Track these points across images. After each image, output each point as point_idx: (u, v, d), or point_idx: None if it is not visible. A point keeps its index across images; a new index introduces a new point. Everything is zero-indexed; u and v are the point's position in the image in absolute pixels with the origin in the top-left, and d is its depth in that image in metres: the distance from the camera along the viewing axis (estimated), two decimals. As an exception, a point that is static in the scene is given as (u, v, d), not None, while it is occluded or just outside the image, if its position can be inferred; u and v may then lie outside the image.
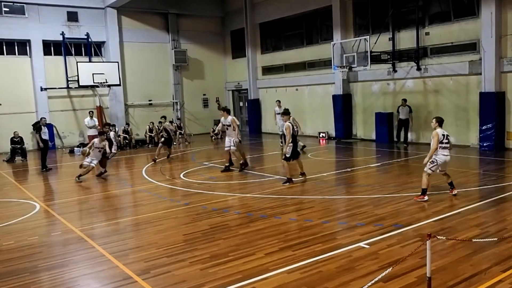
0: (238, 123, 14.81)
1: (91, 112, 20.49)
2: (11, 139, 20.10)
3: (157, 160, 17.13)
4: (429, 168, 9.85)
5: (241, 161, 14.75)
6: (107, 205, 11.34)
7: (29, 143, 22.34)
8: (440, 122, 10.05)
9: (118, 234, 8.46)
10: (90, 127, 19.71)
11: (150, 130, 23.66)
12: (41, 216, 10.19)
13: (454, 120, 18.02)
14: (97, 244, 7.77)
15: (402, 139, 18.88)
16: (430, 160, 9.85)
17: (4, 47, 22.95)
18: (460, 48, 17.58)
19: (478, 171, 13.56)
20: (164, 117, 16.80)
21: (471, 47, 17.22)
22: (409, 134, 19.23)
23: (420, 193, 9.84)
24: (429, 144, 9.30)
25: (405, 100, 18.52)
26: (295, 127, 12.43)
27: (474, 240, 6.84)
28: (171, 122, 25.39)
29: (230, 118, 14.54)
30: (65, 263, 6.97)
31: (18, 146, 20.01)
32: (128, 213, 10.40)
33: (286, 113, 12.49)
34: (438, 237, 5.92)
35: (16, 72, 23.09)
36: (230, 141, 14.45)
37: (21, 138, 20.35)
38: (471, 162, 15.01)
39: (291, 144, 12.15)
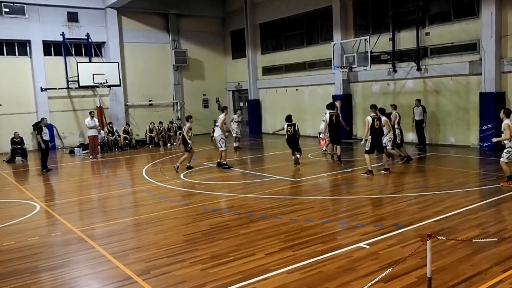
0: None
1: (91, 113, 20.50)
2: (12, 139, 20.11)
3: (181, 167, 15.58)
4: (507, 158, 10.81)
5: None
6: (107, 205, 11.35)
7: (30, 144, 22.38)
8: (507, 113, 10.86)
9: (119, 234, 8.46)
10: (91, 128, 19.72)
11: (151, 131, 23.67)
12: (41, 216, 10.19)
13: (454, 120, 18.03)
14: (97, 245, 7.78)
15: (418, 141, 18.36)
16: (506, 150, 10.83)
17: (4, 47, 22.97)
18: (460, 48, 17.58)
19: (478, 171, 13.56)
20: (190, 117, 16.00)
21: (471, 47, 17.22)
22: (404, 135, 19.19)
23: (506, 180, 10.88)
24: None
25: (419, 100, 18.07)
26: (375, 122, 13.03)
27: (474, 240, 6.84)
28: (171, 122, 25.42)
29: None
30: (66, 263, 6.98)
31: (19, 146, 20.02)
32: (128, 213, 10.40)
33: (372, 107, 13.32)
34: (439, 237, 5.93)
35: (16, 73, 23.12)
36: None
37: (22, 139, 20.36)
38: (471, 162, 15.01)
39: (370, 137, 12.84)
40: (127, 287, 6.01)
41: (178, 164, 15.28)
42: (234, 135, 20.57)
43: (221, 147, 15.26)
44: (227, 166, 15.19)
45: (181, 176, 14.20)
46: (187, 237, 7.97)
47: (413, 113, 17.97)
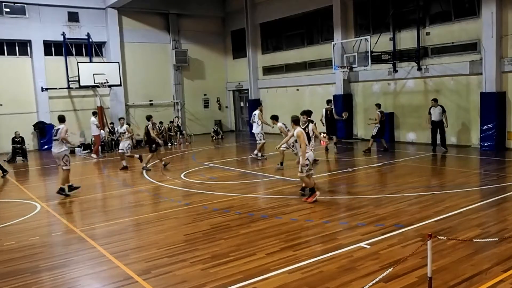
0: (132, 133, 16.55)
1: (96, 113, 20.62)
2: (12, 139, 20.12)
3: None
4: (305, 171, 9.92)
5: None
6: (108, 205, 11.37)
7: (30, 143, 22.43)
8: (296, 121, 10.26)
9: (119, 234, 8.47)
10: (98, 127, 19.86)
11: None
12: (42, 216, 10.21)
13: (455, 120, 18.01)
14: (98, 245, 7.80)
15: (438, 142, 17.27)
16: (305, 163, 9.87)
17: (5, 47, 22.97)
18: (460, 48, 17.56)
19: (479, 171, 13.55)
20: (150, 116, 16.35)
21: (472, 47, 17.21)
22: (404, 135, 19.21)
23: (309, 196, 10.05)
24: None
25: (435, 100, 17.03)
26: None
27: (475, 240, 6.84)
28: (171, 122, 25.38)
29: (125, 126, 16.57)
30: (66, 263, 6.99)
31: (19, 146, 20.02)
32: (129, 213, 10.40)
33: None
34: (439, 237, 5.93)
35: (17, 73, 23.11)
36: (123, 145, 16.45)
37: (22, 138, 20.37)
38: (472, 162, 15.01)
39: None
40: (128, 287, 6.02)
41: (144, 164, 15.80)
42: (119, 151, 16.94)
43: (65, 166, 12.14)
44: (64, 193, 12.03)
45: (182, 176, 14.19)
46: (188, 237, 7.98)
47: (430, 113, 17.09)
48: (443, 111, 16.91)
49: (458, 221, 8.22)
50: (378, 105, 17.84)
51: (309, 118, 11.63)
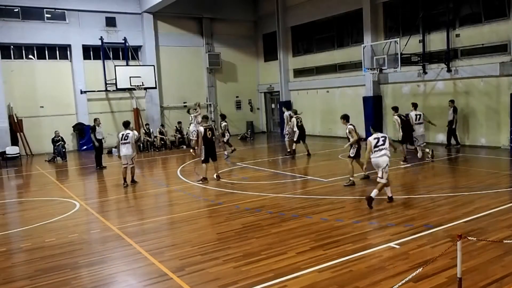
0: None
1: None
2: (52, 139, 20.74)
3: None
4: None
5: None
6: (143, 204, 11.66)
7: (70, 144, 23.17)
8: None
9: (154, 232, 8.73)
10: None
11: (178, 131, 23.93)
12: (81, 214, 10.57)
13: (484, 121, 17.73)
14: (134, 242, 8.06)
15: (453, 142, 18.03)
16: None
17: (46, 51, 23.82)
18: (490, 49, 17.26)
19: (509, 172, 13.34)
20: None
21: (502, 48, 16.89)
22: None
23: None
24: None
25: (452, 101, 17.87)
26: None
27: (505, 241, 6.82)
28: (162, 125, 25.40)
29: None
30: (104, 260, 7.28)
31: (60, 146, 20.56)
32: (163, 212, 10.71)
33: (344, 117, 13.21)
34: (469, 237, 5.94)
35: (57, 76, 23.93)
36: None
37: (62, 138, 20.94)
38: (501, 163, 14.73)
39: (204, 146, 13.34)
40: (163, 284, 6.22)
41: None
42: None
43: None
44: None
45: (214, 176, 14.39)
46: (220, 236, 8.19)
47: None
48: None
49: (488, 222, 8.19)
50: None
51: None
